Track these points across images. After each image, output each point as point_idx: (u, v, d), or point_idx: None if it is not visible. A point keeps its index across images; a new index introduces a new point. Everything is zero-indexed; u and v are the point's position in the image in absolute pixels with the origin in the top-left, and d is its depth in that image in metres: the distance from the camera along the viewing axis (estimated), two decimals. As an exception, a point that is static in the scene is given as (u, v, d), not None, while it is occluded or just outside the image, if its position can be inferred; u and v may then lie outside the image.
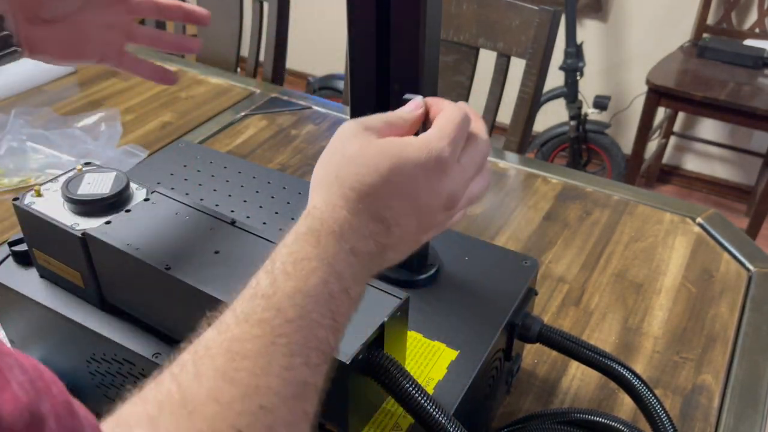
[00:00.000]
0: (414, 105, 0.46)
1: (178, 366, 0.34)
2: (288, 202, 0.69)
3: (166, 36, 0.63)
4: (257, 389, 0.33)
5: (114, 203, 0.54)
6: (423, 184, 0.41)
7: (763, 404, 0.68)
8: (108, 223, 0.52)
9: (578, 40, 2.29)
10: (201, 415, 0.31)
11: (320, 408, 0.36)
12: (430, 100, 0.47)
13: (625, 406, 0.66)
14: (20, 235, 0.59)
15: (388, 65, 0.51)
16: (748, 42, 2.21)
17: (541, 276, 0.83)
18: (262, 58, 1.47)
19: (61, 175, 0.57)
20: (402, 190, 0.40)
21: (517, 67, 1.19)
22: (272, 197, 0.70)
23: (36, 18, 0.54)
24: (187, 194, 0.70)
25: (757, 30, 2.24)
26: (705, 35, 2.28)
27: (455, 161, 0.43)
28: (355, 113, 0.55)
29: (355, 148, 0.41)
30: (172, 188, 0.67)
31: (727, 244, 0.90)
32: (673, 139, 2.59)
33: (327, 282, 0.37)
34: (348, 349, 0.42)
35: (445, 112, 0.44)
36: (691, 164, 2.64)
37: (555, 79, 2.18)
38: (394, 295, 0.47)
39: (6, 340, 0.68)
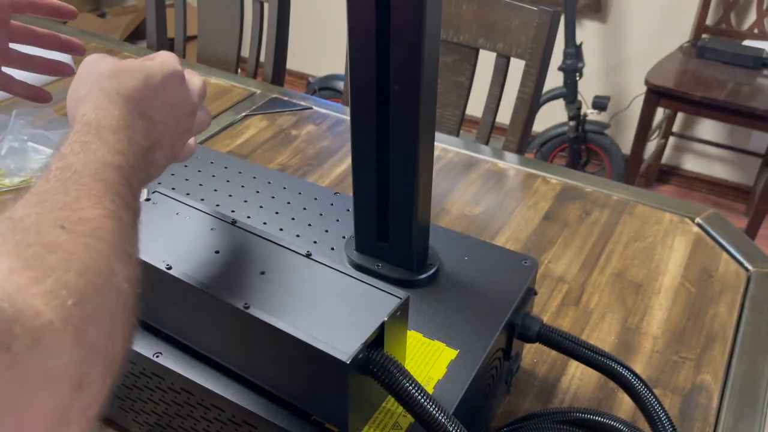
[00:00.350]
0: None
1: None
2: (288, 202, 0.69)
3: (38, 59, 0.69)
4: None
5: (115, 203, 0.54)
6: (173, 89, 0.49)
7: (762, 404, 0.68)
8: (109, 223, 0.52)
9: (578, 41, 2.29)
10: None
11: (320, 407, 0.36)
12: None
13: (625, 405, 0.67)
14: (21, 235, 0.59)
15: (388, 65, 0.51)
16: (747, 42, 2.21)
17: (541, 276, 0.83)
18: (262, 58, 1.47)
19: (62, 175, 0.57)
20: (158, 92, 0.48)
21: (517, 67, 1.19)
22: (272, 197, 0.70)
23: None
24: (187, 194, 0.70)
25: (756, 30, 2.24)
26: (704, 36, 2.29)
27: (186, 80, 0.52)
28: (356, 113, 0.56)
29: (108, 65, 0.47)
30: (173, 188, 0.67)
31: (726, 244, 0.90)
32: (672, 140, 2.59)
33: (114, 155, 0.41)
34: (348, 348, 0.42)
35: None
36: (691, 164, 2.64)
37: (554, 79, 2.18)
38: (394, 295, 0.47)
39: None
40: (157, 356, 0.52)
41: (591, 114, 2.42)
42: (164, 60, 0.51)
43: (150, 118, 0.47)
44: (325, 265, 0.49)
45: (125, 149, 0.43)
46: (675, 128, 2.55)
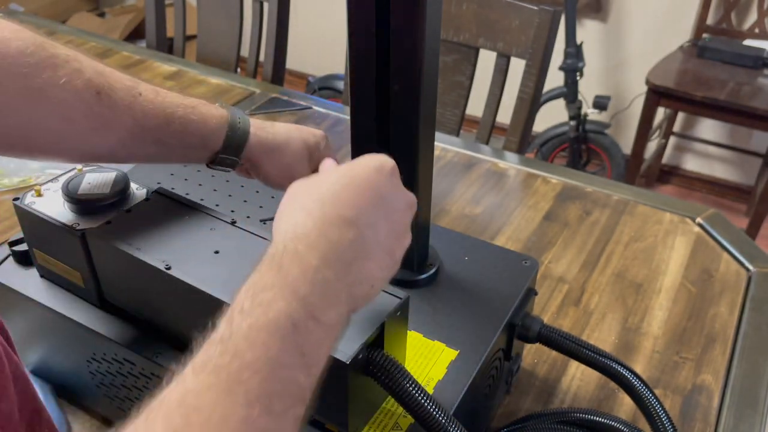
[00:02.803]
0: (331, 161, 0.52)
1: (133, 425, 0.30)
2: (288, 202, 0.69)
3: None
4: None
5: (114, 203, 0.54)
6: (382, 182, 0.42)
7: (762, 404, 0.68)
8: (108, 223, 0.52)
9: (578, 40, 2.29)
10: None
11: (320, 408, 0.36)
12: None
13: (625, 405, 0.67)
14: (20, 235, 0.59)
15: (388, 65, 0.51)
16: (748, 42, 2.21)
17: (541, 276, 0.83)
18: (262, 58, 1.47)
19: (62, 175, 0.57)
20: (363, 188, 0.40)
21: (517, 67, 1.19)
22: (272, 197, 0.70)
23: None
24: (187, 194, 0.70)
25: (756, 30, 2.24)
26: (705, 35, 2.28)
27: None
28: (356, 113, 0.55)
29: (306, 183, 0.42)
30: (173, 188, 0.67)
31: (726, 244, 0.90)
32: (672, 139, 2.59)
33: (289, 312, 0.33)
34: (348, 348, 0.42)
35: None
36: (691, 164, 2.64)
37: (555, 79, 2.18)
38: (394, 295, 0.47)
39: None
40: (157, 356, 0.52)
41: (591, 114, 2.42)
42: (372, 156, 0.43)
43: (350, 222, 0.38)
44: (325, 265, 0.49)
45: (308, 292, 0.35)
46: (676, 128, 2.54)
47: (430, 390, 0.50)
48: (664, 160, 2.64)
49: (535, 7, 1.15)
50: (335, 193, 0.39)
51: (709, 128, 2.51)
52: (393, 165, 0.43)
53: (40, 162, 1.00)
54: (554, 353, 0.70)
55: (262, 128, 0.59)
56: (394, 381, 0.44)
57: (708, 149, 2.57)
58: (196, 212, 0.54)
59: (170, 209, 0.54)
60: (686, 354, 0.73)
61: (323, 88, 2.52)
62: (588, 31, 2.52)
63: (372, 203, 0.40)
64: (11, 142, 0.48)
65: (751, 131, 2.40)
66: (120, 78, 0.51)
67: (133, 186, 0.57)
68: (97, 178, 0.56)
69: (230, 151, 0.57)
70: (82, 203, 0.53)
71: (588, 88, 2.48)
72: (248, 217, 0.67)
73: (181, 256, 0.49)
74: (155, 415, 0.30)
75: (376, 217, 0.40)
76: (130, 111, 0.50)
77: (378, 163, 0.42)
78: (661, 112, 2.37)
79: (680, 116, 2.52)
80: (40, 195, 0.55)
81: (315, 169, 0.62)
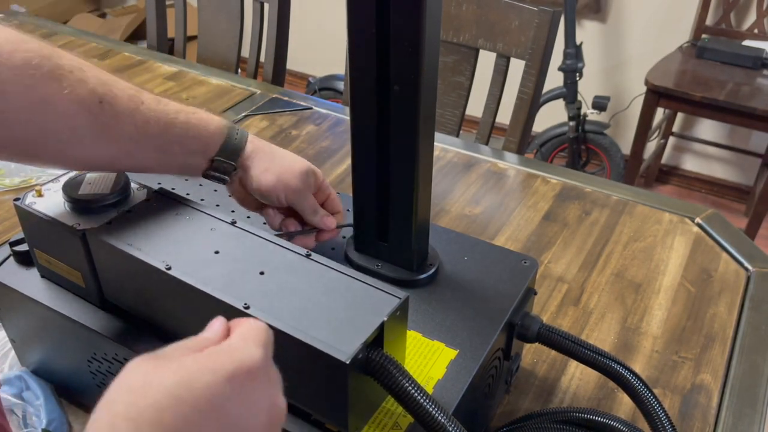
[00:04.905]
0: (217, 323, 0.38)
1: None
2: (288, 203, 0.70)
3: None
4: None
5: (115, 203, 0.54)
6: (231, 398, 0.32)
7: (761, 403, 0.68)
8: (109, 223, 0.52)
9: (577, 41, 2.29)
10: None
11: (320, 407, 0.35)
12: (234, 321, 0.38)
13: (624, 405, 0.67)
14: (21, 235, 0.59)
15: (388, 65, 0.51)
16: (747, 42, 2.21)
17: (541, 276, 0.84)
18: (262, 58, 1.47)
19: (62, 175, 0.57)
20: (199, 408, 0.31)
21: (517, 67, 1.19)
22: (272, 197, 0.70)
23: None
24: (187, 194, 0.70)
25: (755, 30, 2.24)
26: (704, 36, 2.28)
27: (268, 365, 0.35)
28: (356, 113, 0.56)
29: (136, 376, 0.32)
30: (173, 188, 0.67)
31: (725, 244, 0.90)
32: (672, 140, 2.59)
33: None
34: (348, 348, 0.43)
35: (249, 322, 0.37)
36: (690, 164, 2.64)
37: (554, 79, 2.18)
38: (394, 295, 0.47)
39: (7, 340, 0.68)
40: (157, 356, 0.52)
41: (591, 114, 2.42)
42: (230, 346, 0.34)
43: None
44: (325, 265, 0.49)
45: None
46: (675, 128, 2.55)
47: (429, 389, 0.51)
48: (664, 160, 2.65)
49: (535, 8, 1.15)
50: (159, 410, 0.30)
51: (708, 128, 2.51)
52: (254, 365, 0.34)
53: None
54: (553, 353, 0.70)
55: (260, 138, 0.60)
56: (394, 380, 0.44)
57: (707, 149, 2.57)
58: (196, 212, 0.54)
59: (171, 209, 0.55)
60: (685, 353, 0.73)
61: (323, 88, 2.52)
62: (587, 32, 2.52)
63: (217, 425, 0.31)
64: (16, 150, 0.49)
65: (750, 131, 2.40)
66: (123, 87, 0.52)
67: (134, 186, 0.57)
68: (98, 178, 0.56)
69: (227, 154, 0.57)
70: (82, 203, 0.53)
71: (587, 89, 2.48)
72: (248, 217, 0.67)
73: (181, 256, 0.50)
74: None
75: None
76: (132, 119, 0.51)
77: (233, 366, 0.33)
78: (660, 113, 2.37)
79: (679, 116, 2.53)
80: (40, 195, 0.55)
81: (319, 200, 0.62)
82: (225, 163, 0.57)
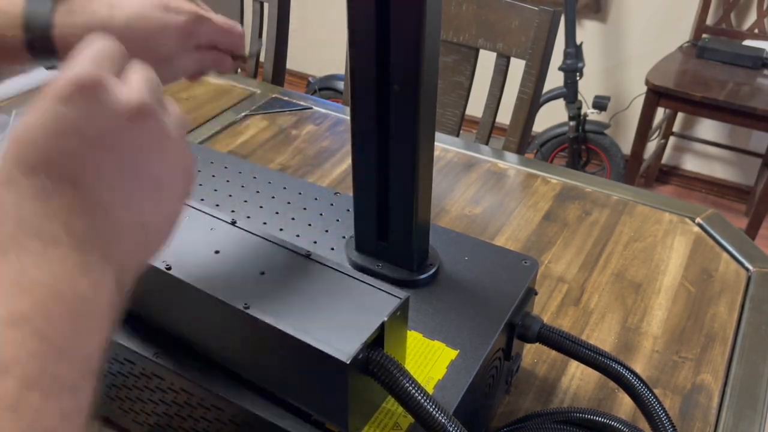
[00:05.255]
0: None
1: None
2: (288, 202, 0.69)
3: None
4: None
5: (115, 203, 0.54)
6: (79, 116, 0.30)
7: (762, 403, 0.68)
8: (109, 223, 0.52)
9: (578, 41, 2.29)
10: None
11: (320, 407, 0.35)
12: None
13: (625, 405, 0.67)
14: (21, 235, 0.59)
15: (388, 65, 0.51)
16: (747, 42, 2.21)
17: (541, 276, 0.83)
18: (262, 58, 1.47)
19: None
20: (66, 132, 0.29)
21: (517, 67, 1.19)
22: (272, 197, 0.70)
23: None
24: (187, 194, 0.70)
25: (756, 30, 2.24)
26: (704, 36, 2.29)
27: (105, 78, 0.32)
28: (356, 113, 0.56)
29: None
30: (173, 188, 0.67)
31: (726, 244, 0.90)
32: (672, 140, 2.59)
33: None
34: (348, 348, 0.42)
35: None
36: (691, 164, 2.64)
37: (554, 79, 2.18)
38: (394, 295, 0.47)
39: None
40: (157, 356, 0.52)
41: (591, 114, 2.43)
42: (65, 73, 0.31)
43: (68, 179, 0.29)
44: (325, 265, 0.49)
45: None
46: (675, 128, 2.55)
47: (429, 389, 0.51)
48: (664, 160, 2.65)
49: (535, 8, 1.15)
50: (31, 140, 0.28)
51: (708, 128, 2.51)
52: (92, 81, 0.31)
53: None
54: (554, 353, 0.70)
55: None
56: (394, 380, 0.44)
57: (707, 149, 2.57)
58: (196, 212, 0.54)
59: (170, 209, 0.54)
60: (686, 354, 0.73)
61: (323, 88, 2.52)
62: (587, 32, 2.52)
63: (79, 143, 0.30)
64: None
65: (751, 131, 2.40)
66: None
67: (134, 186, 0.57)
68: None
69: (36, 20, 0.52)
70: (82, 203, 0.53)
71: (587, 89, 2.48)
72: (248, 217, 0.67)
73: (181, 256, 0.49)
74: None
75: (94, 159, 0.30)
76: None
77: (61, 84, 0.30)
78: (660, 113, 2.37)
79: (680, 116, 2.53)
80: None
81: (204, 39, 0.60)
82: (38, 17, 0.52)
